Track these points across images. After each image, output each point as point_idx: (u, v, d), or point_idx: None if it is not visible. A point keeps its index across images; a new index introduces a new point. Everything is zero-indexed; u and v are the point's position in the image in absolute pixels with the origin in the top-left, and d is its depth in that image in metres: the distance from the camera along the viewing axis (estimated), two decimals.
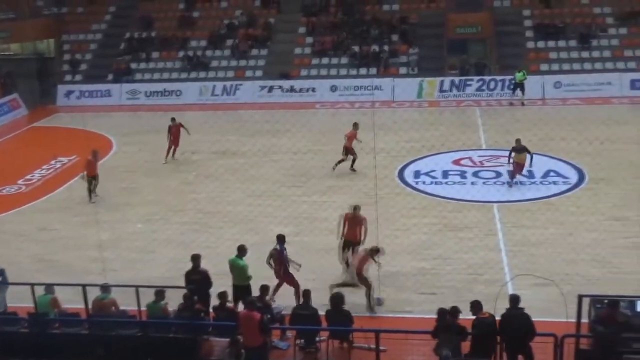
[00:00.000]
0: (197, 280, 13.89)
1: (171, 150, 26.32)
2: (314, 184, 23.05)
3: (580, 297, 11.78)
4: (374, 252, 15.08)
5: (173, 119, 26.58)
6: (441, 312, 12.06)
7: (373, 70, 37.06)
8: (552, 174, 23.11)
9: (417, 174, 23.77)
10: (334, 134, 28.93)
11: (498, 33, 38.11)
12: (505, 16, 38.82)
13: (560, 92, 34.09)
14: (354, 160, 24.12)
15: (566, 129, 28.09)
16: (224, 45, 39.86)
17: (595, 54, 36.16)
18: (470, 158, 25.13)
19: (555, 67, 35.78)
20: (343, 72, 37.43)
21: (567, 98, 33.63)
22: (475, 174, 23.55)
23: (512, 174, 22.26)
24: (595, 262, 16.69)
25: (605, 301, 12.37)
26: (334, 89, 36.08)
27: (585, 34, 36.78)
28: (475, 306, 12.06)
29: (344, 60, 38.04)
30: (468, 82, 35.31)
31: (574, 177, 22.70)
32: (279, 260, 14.99)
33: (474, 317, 11.98)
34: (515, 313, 11.84)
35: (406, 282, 16.05)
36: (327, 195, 21.80)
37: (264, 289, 13.47)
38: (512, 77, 34.15)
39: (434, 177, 23.43)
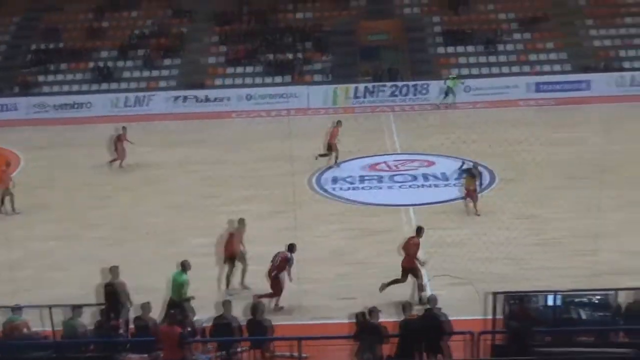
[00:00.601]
0: (114, 292, 13.60)
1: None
2: (231, 193, 22.91)
3: (495, 295, 12.13)
4: (421, 232, 15.86)
5: (124, 128, 26.40)
6: (359, 315, 12.19)
7: (287, 78, 37.19)
8: (465, 175, 23.66)
9: (334, 180, 23.96)
10: (251, 143, 28.95)
11: (409, 39, 38.91)
12: (414, 23, 39.68)
13: (469, 96, 35.01)
14: (336, 157, 24.97)
15: (477, 132, 28.91)
16: (135, 56, 39.18)
17: (502, 58, 37.39)
18: (385, 163, 25.53)
19: (464, 71, 36.77)
20: (258, 80, 37.40)
21: (477, 102, 34.60)
22: (391, 178, 23.93)
23: (473, 200, 20.31)
24: (508, 259, 17.21)
25: (518, 297, 12.77)
26: (248, 97, 35.99)
27: (491, 39, 38.01)
28: (406, 307, 12.25)
29: (258, 68, 38.02)
30: (381, 88, 35.88)
31: (485, 178, 23.35)
32: (280, 265, 15.21)
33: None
34: (434, 313, 12.09)
35: (326, 289, 16.13)
36: (245, 204, 21.68)
37: (186, 301, 13.30)
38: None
39: (350, 183, 23.68)
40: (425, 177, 23.82)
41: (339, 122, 25.62)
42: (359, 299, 15.36)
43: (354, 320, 12.22)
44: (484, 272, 16.34)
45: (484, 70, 36.62)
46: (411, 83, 35.87)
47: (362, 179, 24.02)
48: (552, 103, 33.99)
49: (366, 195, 22.52)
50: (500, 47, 37.89)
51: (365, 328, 11.98)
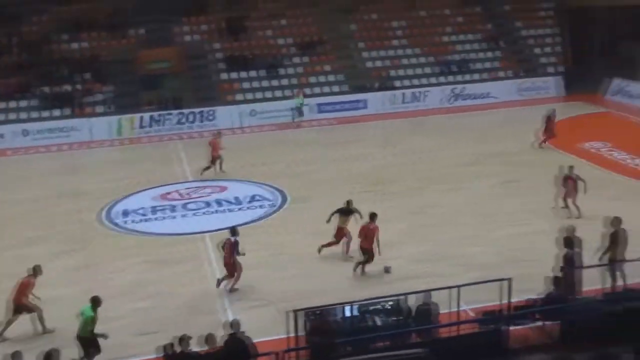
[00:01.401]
0: None
1: None
2: (11, 236, 21.39)
3: (295, 312, 12.42)
4: (375, 217, 17.68)
5: None
6: (168, 347, 11.94)
7: (67, 111, 35.54)
8: (257, 197, 24.07)
9: (125, 213, 23.22)
10: (32, 180, 27.35)
11: (191, 67, 38.86)
12: (195, 50, 39.69)
13: (256, 120, 35.66)
14: (221, 163, 26.52)
15: (265, 154, 29.60)
16: None
17: (284, 82, 38.51)
18: (177, 191, 25.21)
19: (249, 96, 37.36)
20: (34, 114, 35.33)
21: (263, 124, 35.29)
22: (184, 207, 23.66)
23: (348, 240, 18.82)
24: (305, 276, 17.69)
25: (317, 312, 13.18)
26: (25, 133, 33.91)
27: (272, 63, 39.06)
28: (209, 339, 12.14)
29: (34, 102, 35.95)
30: (167, 117, 35.47)
31: (277, 199, 23.87)
32: (231, 249, 16.64)
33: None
34: (237, 337, 12.12)
35: (126, 325, 15.58)
36: (26, 247, 20.30)
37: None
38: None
39: (142, 215, 23.09)
40: (219, 202, 23.87)
41: (218, 133, 28.22)
42: (163, 331, 15.01)
43: (162, 354, 11.94)
44: (284, 291, 16.67)
45: (268, 94, 37.46)
46: (197, 110, 35.83)
47: (154, 209, 23.53)
48: (334, 122, 35.51)
49: (160, 226, 22.09)
50: (282, 71, 39.04)
51: (177, 358, 11.75)
